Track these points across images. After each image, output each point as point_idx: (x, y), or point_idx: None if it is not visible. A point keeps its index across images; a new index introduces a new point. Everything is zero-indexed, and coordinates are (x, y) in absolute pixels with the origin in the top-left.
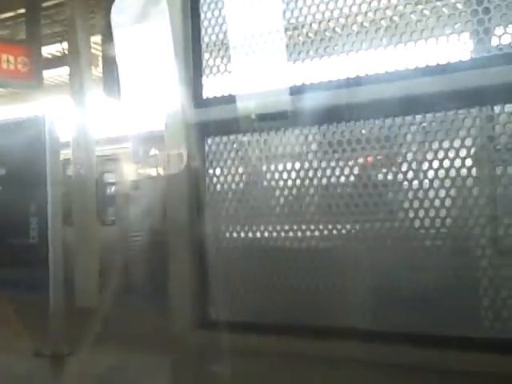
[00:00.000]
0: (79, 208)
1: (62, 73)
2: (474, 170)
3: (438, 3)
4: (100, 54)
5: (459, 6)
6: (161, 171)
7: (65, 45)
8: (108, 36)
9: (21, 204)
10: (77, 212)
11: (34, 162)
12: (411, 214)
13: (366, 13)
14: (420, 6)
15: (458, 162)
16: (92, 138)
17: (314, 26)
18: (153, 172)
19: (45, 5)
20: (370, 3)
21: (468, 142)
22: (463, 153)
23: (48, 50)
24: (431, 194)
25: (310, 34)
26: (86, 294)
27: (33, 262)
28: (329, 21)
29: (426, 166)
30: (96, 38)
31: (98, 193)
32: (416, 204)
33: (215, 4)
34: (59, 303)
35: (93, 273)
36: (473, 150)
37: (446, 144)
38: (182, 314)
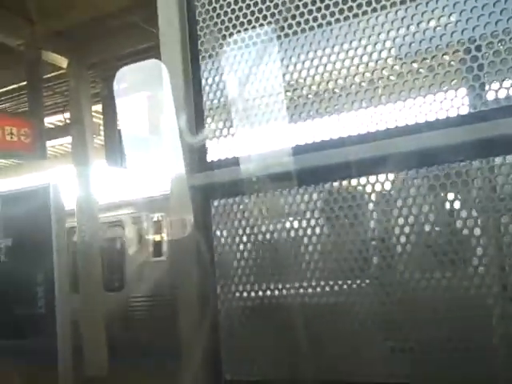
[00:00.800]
0: (84, 275)
1: (65, 142)
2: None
3: (433, 62)
4: (101, 122)
5: (454, 63)
6: (165, 236)
7: (66, 115)
8: (110, 104)
9: (27, 274)
10: (82, 279)
11: (39, 231)
12: (423, 266)
13: (364, 73)
14: (415, 65)
15: (464, 213)
16: (95, 206)
17: (314, 88)
18: (158, 237)
19: (46, 76)
20: (367, 64)
21: (472, 192)
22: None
23: (50, 121)
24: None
25: (310, 95)
26: (95, 362)
27: (41, 332)
28: (328, 82)
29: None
30: (97, 107)
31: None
32: (426, 255)
33: (216, 70)
34: (68, 373)
35: (101, 341)
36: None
37: (450, 196)
38: (196, 375)
